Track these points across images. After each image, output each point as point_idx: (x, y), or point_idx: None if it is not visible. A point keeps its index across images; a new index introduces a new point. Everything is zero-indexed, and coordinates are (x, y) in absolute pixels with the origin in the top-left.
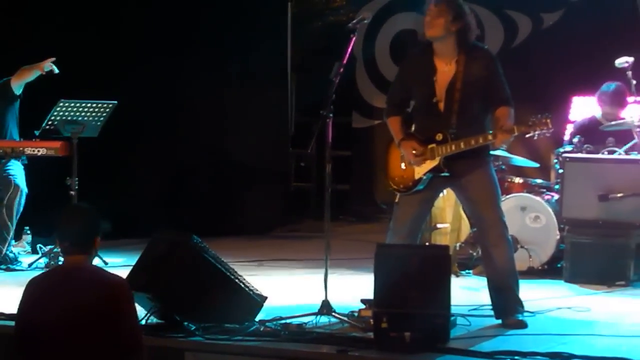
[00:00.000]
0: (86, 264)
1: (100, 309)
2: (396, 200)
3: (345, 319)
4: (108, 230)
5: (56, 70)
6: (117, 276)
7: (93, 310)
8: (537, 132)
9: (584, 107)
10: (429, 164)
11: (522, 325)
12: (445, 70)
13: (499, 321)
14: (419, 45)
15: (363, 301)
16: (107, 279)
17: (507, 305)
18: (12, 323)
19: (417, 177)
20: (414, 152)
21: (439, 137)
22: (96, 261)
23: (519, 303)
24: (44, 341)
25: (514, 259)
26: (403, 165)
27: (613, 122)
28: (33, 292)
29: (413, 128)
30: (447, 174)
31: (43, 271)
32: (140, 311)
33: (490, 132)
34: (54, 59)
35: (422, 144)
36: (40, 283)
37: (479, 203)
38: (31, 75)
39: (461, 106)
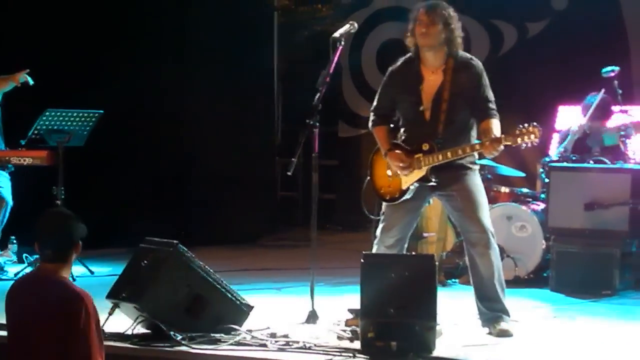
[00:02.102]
0: (56, 274)
1: (56, 321)
2: (383, 209)
3: (332, 328)
4: (85, 235)
5: (31, 82)
6: (79, 292)
7: (48, 321)
8: (524, 142)
9: (569, 116)
10: (416, 174)
11: (508, 334)
12: (432, 79)
13: (486, 330)
14: (405, 54)
15: (350, 310)
16: (67, 292)
17: (493, 315)
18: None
19: (404, 187)
20: (400, 164)
21: (426, 147)
22: (82, 270)
23: (506, 312)
24: (10, 346)
25: (501, 268)
26: (389, 172)
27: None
28: (8, 297)
29: (399, 137)
30: (434, 183)
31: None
32: (127, 321)
33: (478, 141)
34: (28, 70)
35: (409, 154)
36: (14, 288)
37: (465, 212)
38: (6, 86)
39: (448, 116)
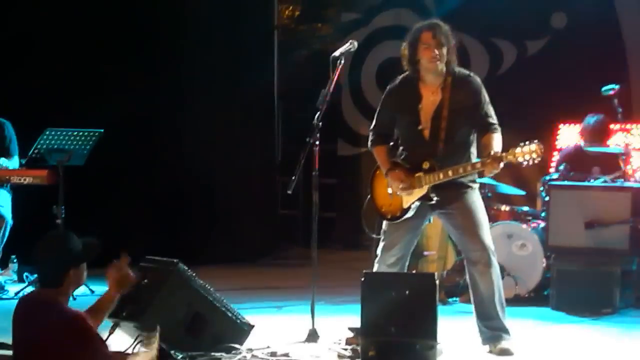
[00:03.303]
0: (52, 299)
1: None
2: (384, 228)
3: (333, 347)
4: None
5: None
6: (73, 313)
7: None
8: (526, 160)
9: (570, 135)
10: (417, 193)
11: (509, 353)
12: (431, 97)
13: (486, 348)
14: (403, 73)
15: (350, 329)
16: (63, 316)
17: (493, 333)
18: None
19: (405, 205)
20: (401, 185)
21: (426, 165)
22: (82, 289)
23: (506, 331)
24: None
25: (501, 287)
26: (390, 191)
27: (597, 149)
28: (13, 319)
29: (399, 156)
30: (434, 202)
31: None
32: (127, 340)
33: (479, 160)
34: None
35: (409, 173)
36: (18, 311)
37: (466, 231)
38: None
39: (447, 134)
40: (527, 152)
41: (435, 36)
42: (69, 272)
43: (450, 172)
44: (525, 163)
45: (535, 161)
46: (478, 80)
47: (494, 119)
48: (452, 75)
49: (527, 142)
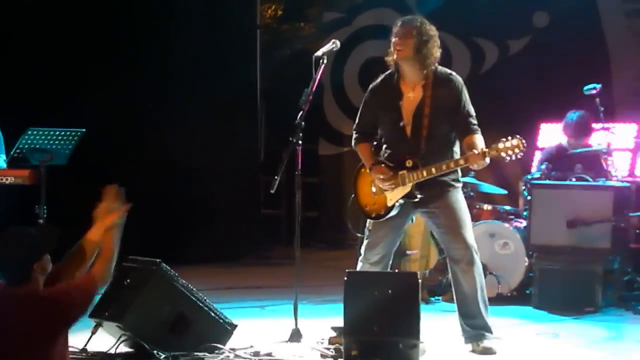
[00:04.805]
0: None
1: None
2: (367, 227)
3: (316, 346)
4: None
5: None
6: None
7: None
8: (508, 155)
9: (551, 134)
10: (401, 191)
11: (492, 352)
12: (412, 95)
13: (469, 347)
14: (385, 72)
15: (333, 328)
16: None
17: (476, 332)
18: None
19: (389, 204)
20: (381, 176)
21: (409, 163)
22: None
23: (488, 329)
24: None
25: (484, 285)
26: (374, 189)
27: (580, 149)
28: None
29: (382, 155)
30: (418, 200)
31: None
32: (110, 340)
33: (461, 156)
34: None
35: (392, 169)
36: None
37: (448, 230)
38: None
39: (429, 131)
40: (509, 147)
41: (403, 26)
42: (32, 266)
43: (433, 170)
44: (508, 158)
45: (518, 156)
46: (460, 79)
47: (474, 120)
48: (434, 74)
49: (509, 137)
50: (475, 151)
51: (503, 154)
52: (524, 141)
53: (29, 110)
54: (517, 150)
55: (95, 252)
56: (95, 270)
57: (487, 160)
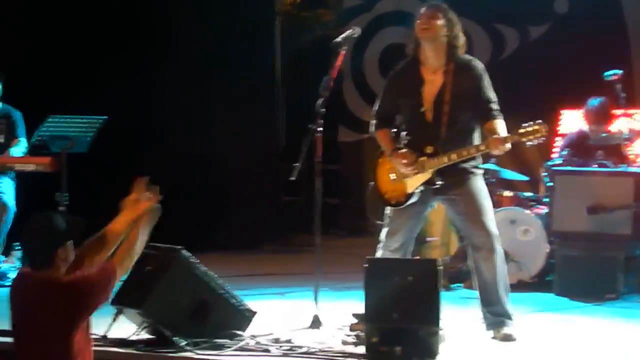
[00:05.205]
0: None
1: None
2: (387, 213)
3: (336, 333)
4: (81, 223)
5: None
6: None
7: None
8: (530, 140)
9: (572, 120)
10: (421, 177)
11: (512, 338)
12: (433, 80)
13: (490, 334)
14: (405, 58)
15: (354, 315)
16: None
17: (496, 319)
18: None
19: (409, 191)
20: (403, 161)
21: (430, 149)
22: None
23: (509, 316)
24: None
25: (505, 272)
26: (393, 176)
27: (603, 135)
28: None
29: (402, 142)
30: (438, 186)
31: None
32: (131, 327)
33: (482, 142)
34: None
35: (412, 155)
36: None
37: (469, 217)
38: None
39: (450, 117)
40: (530, 132)
41: (430, 9)
42: (56, 251)
43: (454, 155)
44: (529, 143)
45: (540, 140)
46: (481, 65)
47: (496, 105)
48: (455, 61)
49: (531, 122)
50: (496, 136)
51: (524, 139)
52: (545, 126)
53: (50, 97)
54: (538, 135)
55: (118, 241)
56: (116, 258)
57: (508, 145)
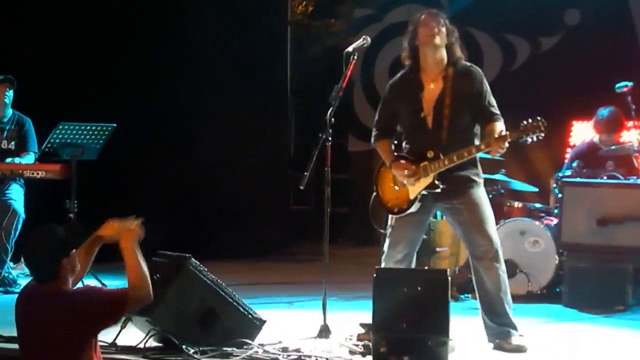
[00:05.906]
0: (54, 290)
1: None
2: (390, 224)
3: (344, 342)
4: (80, 229)
5: None
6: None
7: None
8: (530, 136)
9: (583, 132)
10: (423, 182)
11: (523, 349)
12: (432, 86)
13: (492, 344)
14: (403, 68)
15: (362, 325)
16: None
17: (501, 329)
18: (12, 346)
19: (412, 196)
20: (405, 172)
21: (430, 154)
22: (94, 283)
23: (514, 326)
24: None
25: (507, 281)
26: (396, 187)
27: (612, 147)
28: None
29: (404, 149)
30: (440, 190)
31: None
32: (139, 335)
33: (482, 142)
34: None
35: (414, 163)
36: (18, 303)
37: (471, 226)
38: None
39: (451, 122)
40: (529, 128)
41: (435, 17)
42: (61, 262)
43: (455, 157)
44: (529, 140)
45: (539, 137)
46: (479, 70)
47: (496, 109)
48: (454, 66)
49: (530, 119)
50: (497, 135)
51: (524, 136)
52: (544, 122)
53: (60, 105)
54: (538, 131)
55: (98, 246)
56: (130, 288)
57: (506, 145)
